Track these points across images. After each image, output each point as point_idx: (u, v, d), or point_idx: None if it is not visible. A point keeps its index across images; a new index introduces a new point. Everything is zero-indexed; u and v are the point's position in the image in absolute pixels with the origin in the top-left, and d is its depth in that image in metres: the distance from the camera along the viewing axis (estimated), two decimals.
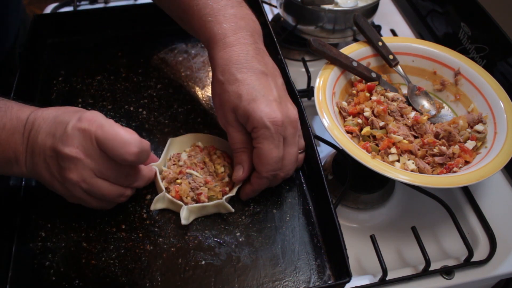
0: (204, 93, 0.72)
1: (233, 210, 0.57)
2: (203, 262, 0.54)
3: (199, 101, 0.71)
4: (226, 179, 0.60)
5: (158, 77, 0.73)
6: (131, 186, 0.54)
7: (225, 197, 0.57)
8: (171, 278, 0.53)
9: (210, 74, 0.71)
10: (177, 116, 0.68)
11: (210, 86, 0.68)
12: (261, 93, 0.54)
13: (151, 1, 0.73)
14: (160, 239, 0.56)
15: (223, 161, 0.61)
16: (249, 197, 0.59)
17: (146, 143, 0.50)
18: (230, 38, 0.56)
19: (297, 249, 0.55)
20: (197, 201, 0.57)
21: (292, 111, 0.56)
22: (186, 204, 0.56)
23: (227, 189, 0.59)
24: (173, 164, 0.60)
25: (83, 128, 0.48)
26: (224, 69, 0.55)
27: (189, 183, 0.58)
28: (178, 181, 0.58)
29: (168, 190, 0.58)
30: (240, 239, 0.56)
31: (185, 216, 0.55)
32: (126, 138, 0.48)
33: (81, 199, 0.51)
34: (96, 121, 0.48)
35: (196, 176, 0.59)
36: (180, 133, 0.66)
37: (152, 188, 0.60)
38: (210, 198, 0.57)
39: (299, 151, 0.59)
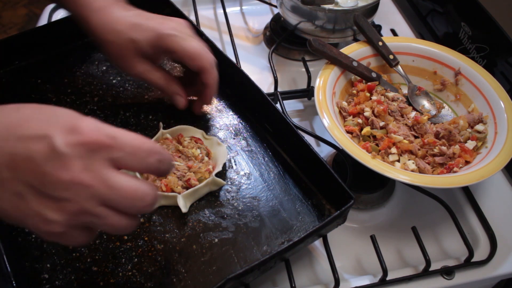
0: (143, 91, 0.71)
1: (225, 182, 0.60)
2: (216, 240, 0.55)
3: (142, 100, 0.70)
4: (206, 159, 0.62)
5: (90, 91, 0.71)
6: (140, 212, 0.44)
7: (213, 173, 0.59)
8: (194, 265, 0.53)
9: None
10: (128, 121, 0.67)
11: (142, 82, 0.71)
12: (147, 22, 0.60)
13: (50, 23, 0.72)
14: (167, 235, 0.56)
15: (196, 144, 0.62)
16: (210, 100, 0.64)
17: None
18: (95, 4, 0.61)
19: (291, 198, 0.59)
20: (188, 187, 0.58)
21: (177, 19, 0.62)
22: (179, 193, 0.57)
23: (210, 167, 0.60)
24: None
25: (86, 142, 0.37)
26: (105, 30, 0.60)
27: (174, 173, 0.59)
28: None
29: (156, 188, 0.58)
30: (239, 207, 0.59)
31: (183, 204, 0.56)
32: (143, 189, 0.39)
33: (64, 234, 0.39)
34: (103, 129, 0.38)
35: (178, 165, 0.60)
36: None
37: None
38: (199, 180, 0.59)
39: None
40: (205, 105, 0.68)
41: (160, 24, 0.59)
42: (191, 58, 0.59)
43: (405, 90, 0.73)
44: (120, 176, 0.38)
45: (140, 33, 0.59)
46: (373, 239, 0.58)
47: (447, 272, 0.58)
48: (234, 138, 0.66)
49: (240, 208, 0.59)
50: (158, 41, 0.59)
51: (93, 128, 0.38)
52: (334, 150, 0.70)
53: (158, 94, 0.71)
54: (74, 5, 0.62)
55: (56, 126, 0.37)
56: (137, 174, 0.59)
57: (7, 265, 0.51)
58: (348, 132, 0.64)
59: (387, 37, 0.75)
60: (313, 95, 0.69)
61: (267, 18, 0.94)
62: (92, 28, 0.61)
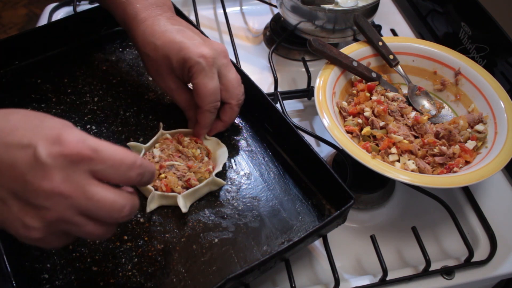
0: (143, 91, 0.72)
1: (225, 182, 0.60)
2: (216, 240, 0.55)
3: (142, 100, 0.70)
4: (206, 159, 0.62)
5: (91, 91, 0.71)
6: (118, 222, 0.43)
7: (213, 173, 0.59)
8: (194, 265, 0.53)
9: (141, 72, 0.74)
10: (128, 121, 0.67)
11: (146, 82, 0.72)
12: (185, 40, 0.59)
13: (50, 24, 0.72)
14: (167, 235, 0.56)
15: (196, 144, 0.62)
16: (201, 135, 0.63)
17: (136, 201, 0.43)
18: (141, 16, 0.61)
19: (291, 198, 0.59)
20: (188, 187, 0.58)
21: (218, 45, 0.61)
22: (179, 193, 0.57)
23: (210, 167, 0.60)
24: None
25: (68, 154, 0.38)
26: (144, 43, 0.60)
27: (174, 173, 0.59)
28: (162, 175, 0.59)
29: (156, 187, 0.58)
30: (239, 207, 0.59)
31: (183, 204, 0.56)
32: (119, 200, 0.40)
33: (42, 240, 0.40)
34: (87, 141, 0.39)
35: (178, 165, 0.60)
36: (138, 135, 0.66)
37: (137, 193, 0.59)
38: (199, 180, 0.59)
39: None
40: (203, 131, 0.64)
41: (195, 47, 0.58)
42: (196, 93, 0.59)
43: (405, 90, 0.73)
44: (100, 188, 0.39)
45: (173, 52, 0.58)
46: (373, 239, 0.58)
47: (447, 272, 0.58)
48: (234, 138, 0.66)
49: (240, 208, 0.59)
50: (184, 64, 0.58)
51: (77, 140, 0.39)
52: (334, 150, 0.70)
53: (158, 94, 0.71)
54: (123, 14, 0.63)
55: (41, 135, 0.38)
56: None
57: (7, 265, 0.51)
58: (348, 132, 0.64)
59: (387, 37, 0.75)
60: (313, 95, 0.69)
61: (267, 18, 0.94)
62: (135, 39, 0.62)
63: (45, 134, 0.38)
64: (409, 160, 0.61)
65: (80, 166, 0.38)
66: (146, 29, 0.60)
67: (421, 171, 0.61)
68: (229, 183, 0.61)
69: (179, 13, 0.75)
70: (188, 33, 0.60)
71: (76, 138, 0.39)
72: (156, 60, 0.60)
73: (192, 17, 0.85)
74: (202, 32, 0.67)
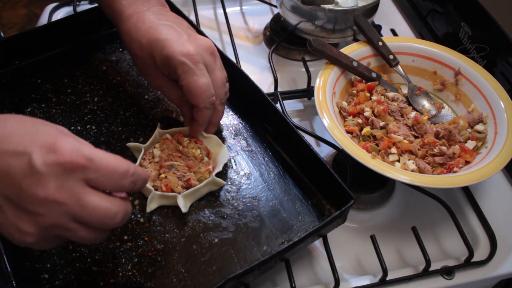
0: (143, 91, 0.71)
1: (225, 182, 0.60)
2: (216, 240, 0.56)
3: (142, 100, 0.70)
4: (206, 159, 0.61)
5: (90, 91, 0.71)
6: (111, 228, 0.44)
7: (214, 173, 0.59)
8: (194, 265, 0.54)
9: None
10: (128, 121, 0.67)
11: (146, 82, 0.72)
12: (169, 38, 0.57)
13: (50, 24, 0.73)
14: (167, 235, 0.56)
15: (196, 144, 0.62)
16: (198, 133, 0.62)
17: (129, 208, 0.44)
18: (127, 13, 0.60)
19: (291, 198, 0.59)
20: (188, 187, 0.58)
21: (204, 41, 0.59)
22: (179, 193, 0.57)
23: (210, 167, 0.60)
24: (150, 163, 0.60)
25: (63, 162, 0.38)
26: (131, 41, 0.59)
27: (174, 173, 0.59)
28: (162, 175, 0.59)
29: (156, 188, 0.58)
30: (239, 207, 0.59)
31: (183, 204, 0.56)
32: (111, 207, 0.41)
33: (35, 243, 0.41)
34: (81, 150, 0.39)
35: (178, 165, 0.60)
36: (138, 135, 0.66)
37: (137, 193, 0.59)
38: (199, 180, 0.59)
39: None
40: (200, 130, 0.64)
41: (178, 45, 0.56)
42: (188, 94, 0.58)
43: (405, 90, 0.73)
44: (93, 195, 0.40)
45: (157, 50, 0.57)
46: (373, 239, 0.58)
47: (447, 272, 0.58)
48: (234, 138, 0.66)
49: (240, 208, 0.59)
50: (168, 63, 0.57)
51: (71, 148, 0.39)
52: (334, 150, 0.70)
53: (158, 94, 0.71)
54: (110, 11, 0.63)
55: (36, 143, 0.39)
56: None
57: (7, 265, 0.51)
58: (348, 132, 0.64)
59: (387, 37, 0.75)
60: (313, 95, 0.69)
61: (267, 18, 0.94)
62: (122, 37, 0.61)
63: (40, 142, 0.39)
64: (409, 160, 0.61)
65: (74, 175, 0.39)
66: (131, 26, 0.59)
67: (421, 171, 0.61)
68: (229, 183, 0.61)
69: (177, 11, 0.75)
70: (174, 29, 0.58)
71: (71, 146, 0.39)
72: (143, 59, 0.59)
73: (192, 17, 0.85)
74: (194, 26, 0.66)
